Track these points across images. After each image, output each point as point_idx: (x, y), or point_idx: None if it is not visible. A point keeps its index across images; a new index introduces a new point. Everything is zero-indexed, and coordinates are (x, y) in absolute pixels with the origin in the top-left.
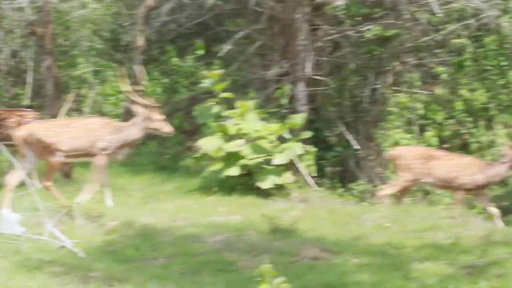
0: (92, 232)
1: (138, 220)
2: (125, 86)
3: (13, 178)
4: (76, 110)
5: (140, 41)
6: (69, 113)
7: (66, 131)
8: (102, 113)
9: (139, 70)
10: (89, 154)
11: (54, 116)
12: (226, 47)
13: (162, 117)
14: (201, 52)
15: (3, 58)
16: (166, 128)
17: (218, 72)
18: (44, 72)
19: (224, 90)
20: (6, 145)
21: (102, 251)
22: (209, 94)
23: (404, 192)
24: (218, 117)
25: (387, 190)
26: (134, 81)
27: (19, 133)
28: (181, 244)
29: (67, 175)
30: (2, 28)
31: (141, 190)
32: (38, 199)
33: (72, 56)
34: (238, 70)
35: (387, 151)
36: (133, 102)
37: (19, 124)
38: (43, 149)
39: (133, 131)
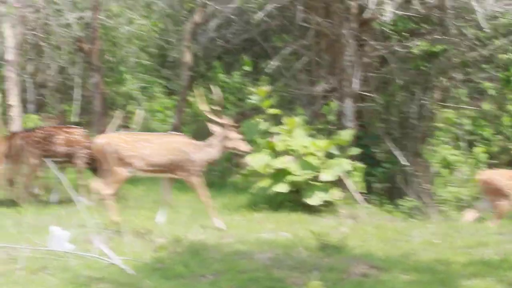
0: (141, 249)
1: (187, 237)
2: (203, 105)
3: (100, 186)
4: (124, 126)
5: (187, 57)
6: (117, 129)
7: (144, 146)
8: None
9: (216, 90)
10: (167, 171)
11: (101, 133)
12: (273, 63)
13: (239, 136)
14: (248, 68)
15: (50, 75)
16: (244, 147)
17: (265, 88)
18: (91, 88)
19: (271, 106)
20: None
21: (151, 268)
22: (256, 110)
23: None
24: (265, 133)
25: (494, 221)
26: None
27: (99, 141)
28: (230, 260)
29: None
30: (49, 45)
31: (189, 207)
32: (87, 216)
33: (119, 72)
34: (285, 86)
35: (474, 175)
36: (211, 121)
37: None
38: (118, 160)
39: (211, 150)
